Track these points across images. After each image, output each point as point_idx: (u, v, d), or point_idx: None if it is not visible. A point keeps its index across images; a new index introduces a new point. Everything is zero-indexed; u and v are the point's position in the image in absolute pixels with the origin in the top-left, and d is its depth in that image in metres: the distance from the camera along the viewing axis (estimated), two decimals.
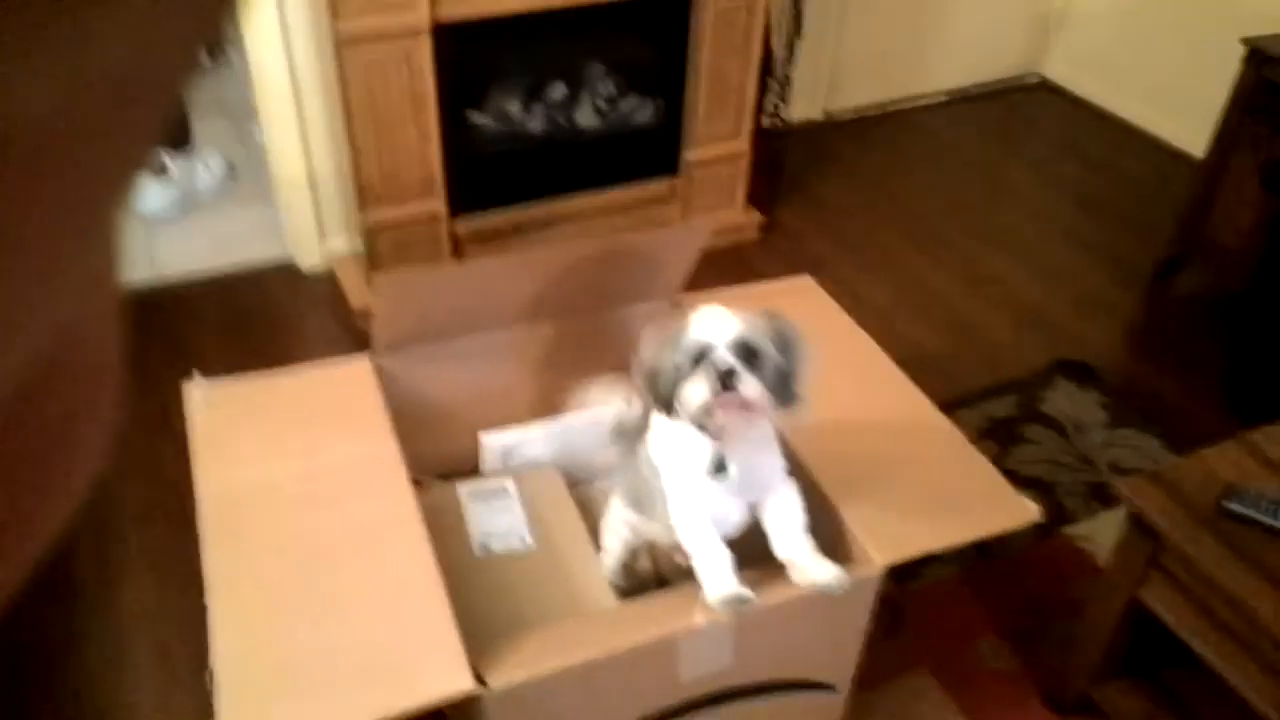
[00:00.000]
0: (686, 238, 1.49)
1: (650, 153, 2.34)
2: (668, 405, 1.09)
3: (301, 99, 2.12)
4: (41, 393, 0.17)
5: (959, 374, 2.26)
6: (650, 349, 1.10)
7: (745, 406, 1.05)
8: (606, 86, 2.27)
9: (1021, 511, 1.25)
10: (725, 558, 1.12)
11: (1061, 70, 3.52)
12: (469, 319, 1.48)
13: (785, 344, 1.08)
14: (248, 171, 2.78)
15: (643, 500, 1.25)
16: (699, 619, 1.09)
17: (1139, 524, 1.20)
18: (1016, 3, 3.36)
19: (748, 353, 1.05)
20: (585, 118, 2.28)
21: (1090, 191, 3.02)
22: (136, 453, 1.87)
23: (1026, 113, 3.47)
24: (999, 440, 2.02)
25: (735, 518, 1.16)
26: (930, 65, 3.36)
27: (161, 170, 2.57)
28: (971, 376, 2.25)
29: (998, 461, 1.99)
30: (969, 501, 1.29)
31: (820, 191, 2.92)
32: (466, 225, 2.19)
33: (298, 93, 2.11)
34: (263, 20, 2.01)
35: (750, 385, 1.04)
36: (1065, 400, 2.12)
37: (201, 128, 2.99)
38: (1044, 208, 2.95)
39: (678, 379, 1.07)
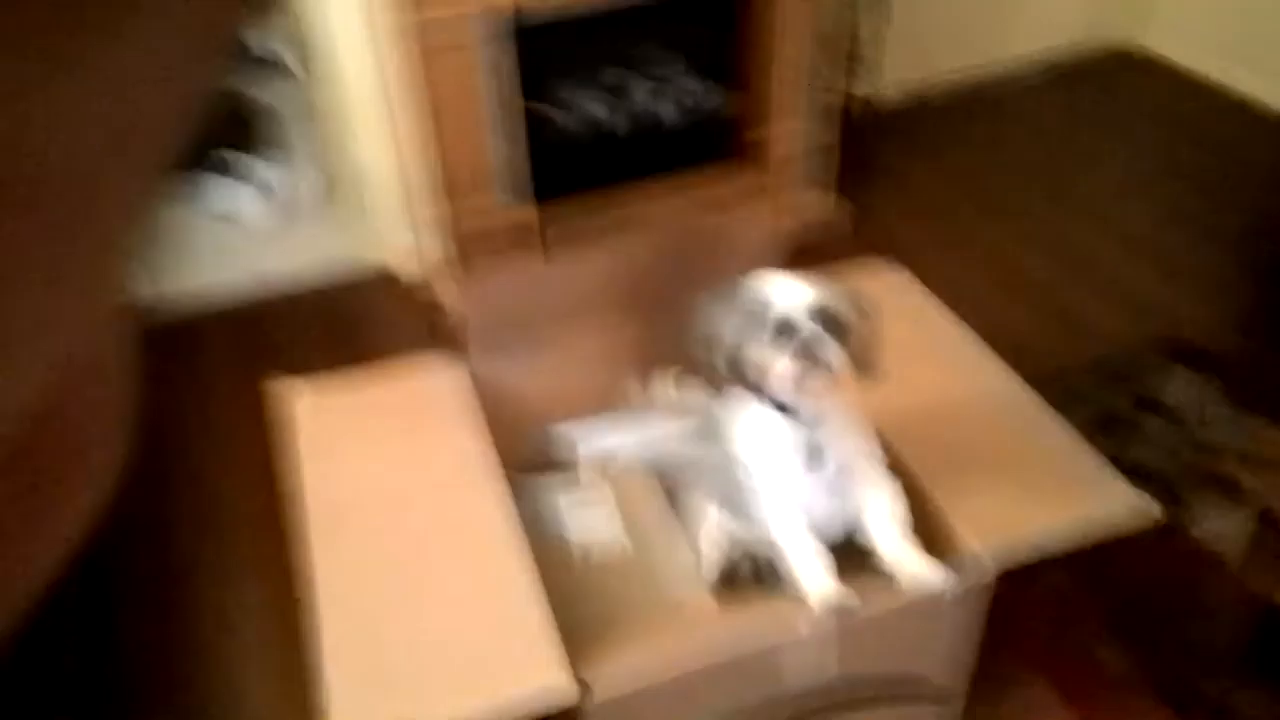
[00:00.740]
0: (764, 221, 1.46)
1: (732, 143, 2.30)
2: (740, 378, 1.05)
3: (392, 106, 2.15)
4: (44, 428, 0.17)
5: (1064, 362, 2.16)
6: (715, 319, 1.06)
7: (832, 377, 1.01)
8: (681, 74, 2.24)
9: (1140, 510, 1.18)
10: (825, 561, 1.08)
11: (1162, 39, 3.35)
12: (555, 316, 1.47)
13: (860, 310, 1.03)
14: (345, 180, 2.84)
15: (735, 502, 1.22)
16: (802, 627, 1.06)
17: (1270, 521, 1.12)
18: None
19: (828, 319, 1.00)
20: (666, 110, 2.25)
21: (1196, 166, 2.86)
22: (247, 460, 1.93)
23: (1125, 84, 3.31)
24: (1112, 433, 1.93)
25: (835, 518, 1.13)
26: (1021, 39, 3.24)
27: (262, 183, 2.64)
28: (1078, 365, 2.15)
29: (1112, 456, 1.90)
30: (1082, 498, 1.22)
31: (909, 175, 2.84)
32: (553, 225, 2.19)
33: (388, 100, 2.14)
34: (350, 28, 2.04)
35: (835, 353, 1.00)
36: (1183, 388, 2.01)
37: (299, 139, 3.08)
38: (1147, 185, 2.81)
39: (754, 350, 1.02)
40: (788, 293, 1.02)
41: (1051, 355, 2.20)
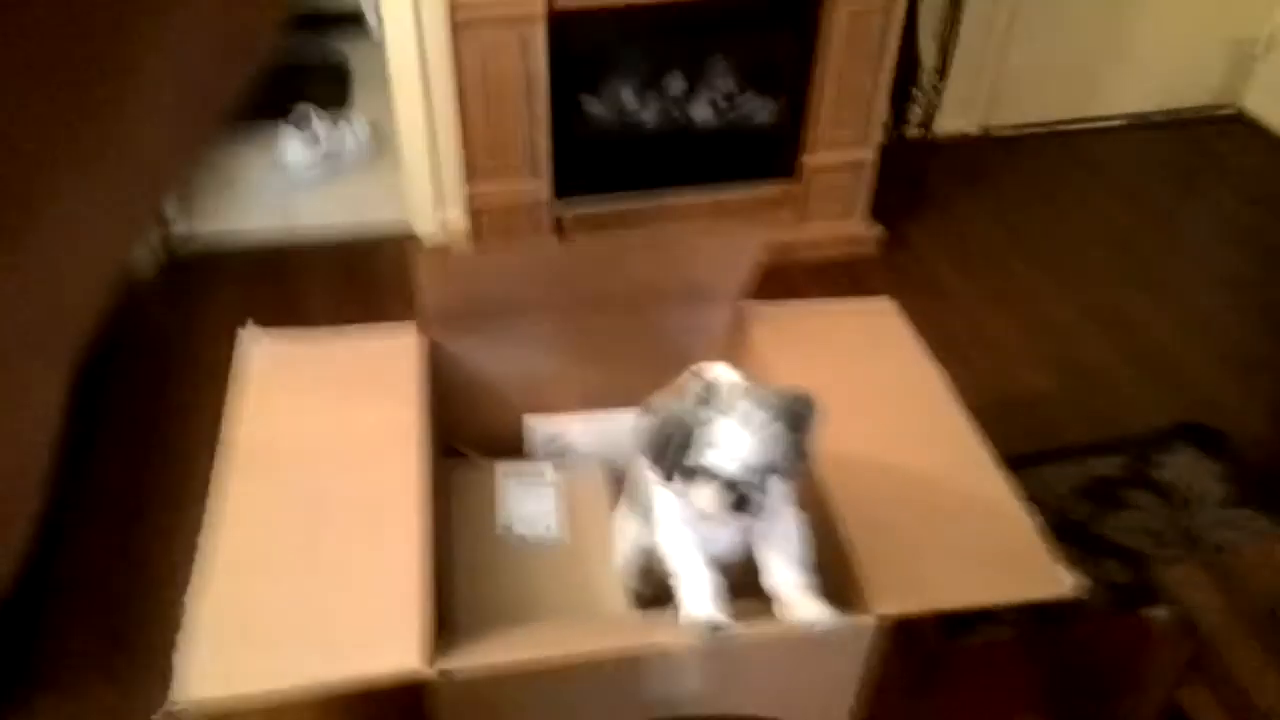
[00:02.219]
0: (743, 247, 1.44)
1: (767, 154, 2.28)
2: (666, 474, 1.06)
3: (429, 74, 2.19)
4: None
5: (1070, 423, 2.09)
6: (661, 420, 1.06)
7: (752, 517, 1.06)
8: (726, 83, 2.22)
9: (1054, 582, 1.14)
10: (707, 581, 1.07)
11: (1264, 103, 3.18)
12: (520, 302, 1.48)
13: (797, 421, 1.03)
14: (393, 140, 2.90)
15: (645, 510, 1.22)
16: (667, 640, 1.06)
17: (1182, 619, 1.07)
18: (1216, 25, 3.05)
19: (762, 472, 1.03)
20: (701, 113, 2.24)
21: (1275, 242, 2.71)
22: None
23: (1216, 147, 3.15)
24: (1097, 501, 1.85)
25: (727, 541, 1.12)
26: (1109, 85, 3.10)
27: (314, 134, 2.72)
28: (1084, 427, 2.07)
29: (1090, 524, 1.84)
30: (1001, 562, 1.18)
31: (960, 211, 2.76)
32: (571, 209, 2.20)
33: (425, 67, 2.18)
34: None
35: (759, 502, 1.04)
36: (1183, 467, 1.92)
37: (364, 96, 3.15)
38: (1214, 255, 2.68)
39: (685, 473, 1.04)
40: (726, 447, 1.02)
41: (1061, 413, 2.12)
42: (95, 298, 0.19)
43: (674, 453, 1.04)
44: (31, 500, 0.20)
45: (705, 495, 1.04)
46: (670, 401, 1.08)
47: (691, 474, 1.04)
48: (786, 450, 1.03)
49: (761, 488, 1.04)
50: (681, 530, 1.11)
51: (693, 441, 1.03)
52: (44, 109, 0.15)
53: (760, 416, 1.02)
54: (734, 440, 1.02)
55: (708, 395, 1.05)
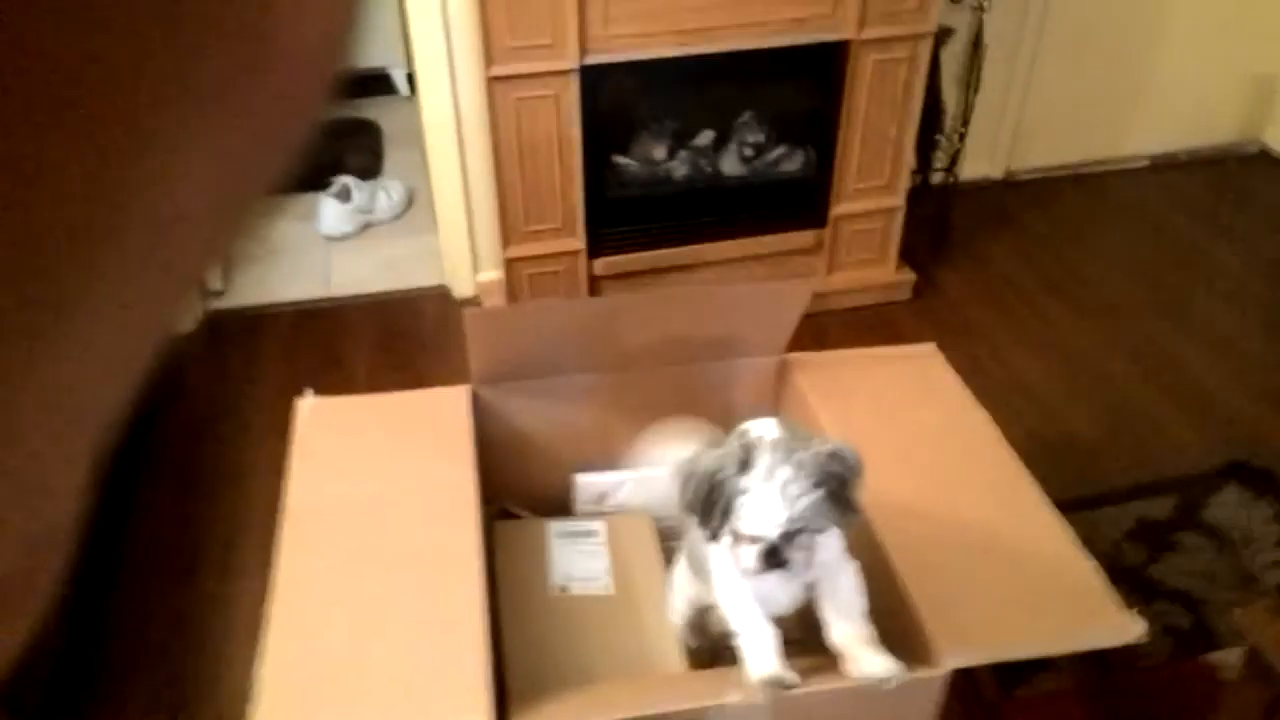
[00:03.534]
0: (788, 296, 1.45)
1: (797, 203, 2.30)
2: (705, 523, 1.07)
3: (464, 135, 2.23)
4: None
5: (1115, 466, 2.07)
6: (702, 482, 1.07)
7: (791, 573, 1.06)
8: (755, 134, 2.25)
9: (1121, 628, 1.12)
10: (768, 637, 1.07)
11: None
12: (566, 358, 1.49)
13: (839, 481, 1.04)
14: (427, 200, 2.95)
15: (700, 567, 1.22)
16: (731, 696, 1.05)
17: (1257, 661, 1.05)
18: (1236, 63, 3.07)
19: (796, 534, 1.03)
20: (731, 165, 2.27)
21: None
22: (272, 456, 2.01)
23: (1241, 184, 3.15)
24: (1148, 545, 1.83)
25: (786, 598, 1.11)
26: (1132, 126, 3.12)
27: (345, 195, 2.77)
28: (1129, 470, 2.05)
29: (1143, 569, 1.81)
30: (1064, 609, 1.17)
31: (989, 255, 2.76)
32: (605, 265, 2.22)
33: (460, 128, 2.22)
34: (432, 60, 2.13)
35: (798, 560, 1.04)
36: (1235, 508, 1.89)
37: (394, 156, 3.21)
38: (1248, 291, 2.66)
39: (722, 528, 1.05)
40: (760, 511, 1.03)
41: (1105, 455, 2.10)
42: (130, 377, 0.18)
43: (719, 516, 1.05)
44: (47, 583, 0.19)
45: (744, 556, 1.05)
46: (709, 460, 1.08)
47: (732, 535, 1.05)
48: (828, 509, 1.04)
49: (802, 545, 1.04)
50: (740, 587, 1.11)
51: (732, 507, 1.04)
52: (78, 191, 0.15)
53: (799, 482, 1.02)
54: (771, 505, 1.03)
55: (747, 457, 1.05)
